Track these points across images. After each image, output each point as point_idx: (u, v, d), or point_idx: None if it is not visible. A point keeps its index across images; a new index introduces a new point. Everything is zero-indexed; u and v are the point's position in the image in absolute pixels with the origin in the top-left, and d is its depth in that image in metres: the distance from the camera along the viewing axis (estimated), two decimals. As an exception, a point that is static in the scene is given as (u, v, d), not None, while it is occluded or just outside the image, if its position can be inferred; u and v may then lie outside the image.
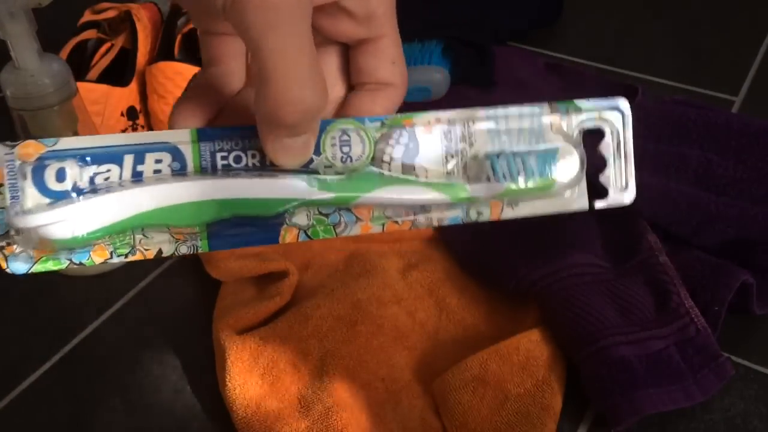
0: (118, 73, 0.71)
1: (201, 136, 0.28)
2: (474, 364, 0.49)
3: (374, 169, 0.29)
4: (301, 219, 0.29)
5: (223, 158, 0.28)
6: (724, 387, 0.49)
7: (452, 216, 0.30)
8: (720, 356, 0.49)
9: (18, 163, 0.27)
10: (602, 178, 0.31)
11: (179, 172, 0.28)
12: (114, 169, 0.27)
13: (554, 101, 0.30)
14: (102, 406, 0.52)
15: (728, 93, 0.78)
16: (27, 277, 0.28)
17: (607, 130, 0.31)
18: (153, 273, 0.61)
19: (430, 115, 0.29)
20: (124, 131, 0.69)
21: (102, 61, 0.72)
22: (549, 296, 0.52)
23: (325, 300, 0.55)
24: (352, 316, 0.54)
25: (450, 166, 0.29)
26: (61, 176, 0.27)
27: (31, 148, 0.27)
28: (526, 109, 0.30)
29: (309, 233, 0.29)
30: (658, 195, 0.58)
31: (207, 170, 0.28)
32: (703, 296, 0.52)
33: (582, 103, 0.30)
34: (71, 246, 0.27)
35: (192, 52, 0.72)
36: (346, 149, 0.28)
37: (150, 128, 0.72)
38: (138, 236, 0.28)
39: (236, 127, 0.28)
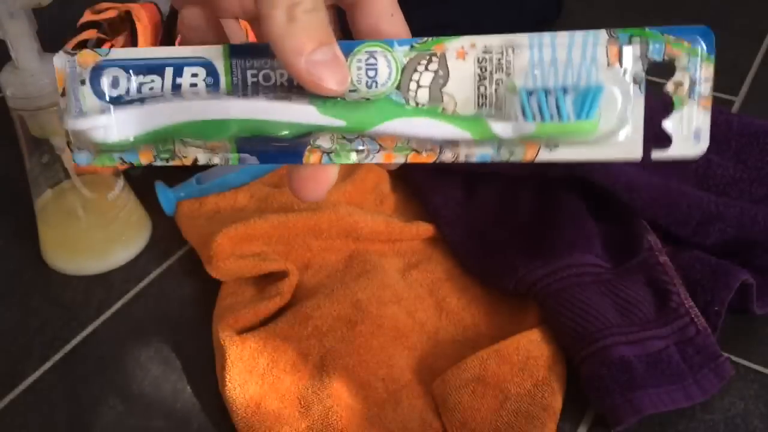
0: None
1: (233, 52, 0.29)
2: (474, 364, 0.49)
3: (395, 97, 0.28)
4: (324, 142, 0.29)
5: (253, 75, 0.29)
6: (724, 387, 0.49)
7: (481, 153, 0.28)
8: (720, 356, 0.49)
9: (79, 69, 0.29)
10: (666, 124, 0.27)
11: (213, 86, 0.29)
12: (157, 79, 0.29)
13: (615, 29, 0.26)
14: (102, 406, 0.52)
15: (728, 93, 0.78)
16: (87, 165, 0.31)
17: (679, 65, 0.26)
18: (153, 273, 0.61)
19: (465, 40, 0.27)
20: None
21: (102, 61, 0.72)
22: (549, 296, 0.52)
23: (325, 300, 0.55)
24: (352, 316, 0.54)
25: (481, 98, 0.27)
26: (114, 84, 0.29)
27: (89, 57, 0.29)
28: (578, 36, 0.26)
29: (331, 156, 0.29)
30: (658, 195, 0.58)
31: (238, 86, 0.29)
32: (703, 296, 0.52)
33: (651, 30, 0.26)
34: (112, 149, 0.30)
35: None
36: (372, 73, 0.28)
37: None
38: (178, 145, 0.30)
39: (267, 45, 0.27)
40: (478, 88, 0.27)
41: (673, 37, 0.26)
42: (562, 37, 0.26)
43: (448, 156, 0.28)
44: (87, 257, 0.61)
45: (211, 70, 0.29)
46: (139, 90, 0.29)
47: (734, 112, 0.75)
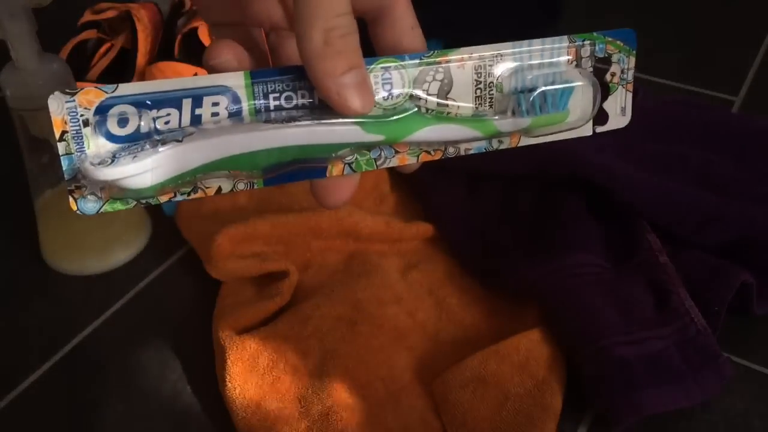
0: (118, 73, 0.71)
1: (254, 77, 0.28)
2: (474, 364, 0.49)
3: (415, 107, 0.30)
4: (345, 153, 0.30)
5: (275, 98, 0.29)
6: (724, 387, 0.49)
7: (477, 146, 0.31)
8: (720, 356, 0.49)
9: (80, 110, 0.27)
10: (605, 105, 0.33)
11: (235, 114, 0.28)
12: (173, 113, 0.28)
13: (572, 34, 0.32)
14: (102, 406, 0.52)
15: (728, 93, 0.78)
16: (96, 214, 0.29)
17: (614, 59, 0.32)
18: (153, 273, 0.61)
19: (464, 51, 0.30)
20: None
21: (102, 61, 0.72)
22: (549, 296, 0.52)
23: (325, 300, 0.55)
24: (352, 316, 0.54)
25: (478, 100, 0.31)
26: (123, 122, 0.27)
27: (92, 95, 0.27)
28: (547, 43, 0.31)
29: (353, 166, 0.30)
30: (658, 195, 0.58)
31: (261, 111, 0.29)
32: (703, 296, 0.52)
33: (597, 34, 0.32)
34: (145, 194, 0.28)
35: (192, 52, 0.72)
36: (388, 87, 0.30)
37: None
38: (199, 176, 0.29)
39: (286, 67, 0.29)
40: (475, 92, 0.31)
41: (610, 38, 0.32)
42: (536, 44, 0.31)
43: (451, 152, 0.31)
44: (87, 257, 0.61)
45: (233, 98, 0.28)
46: (153, 126, 0.28)
47: (734, 112, 0.75)
